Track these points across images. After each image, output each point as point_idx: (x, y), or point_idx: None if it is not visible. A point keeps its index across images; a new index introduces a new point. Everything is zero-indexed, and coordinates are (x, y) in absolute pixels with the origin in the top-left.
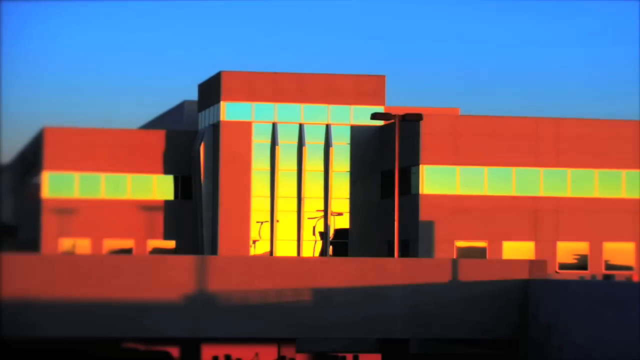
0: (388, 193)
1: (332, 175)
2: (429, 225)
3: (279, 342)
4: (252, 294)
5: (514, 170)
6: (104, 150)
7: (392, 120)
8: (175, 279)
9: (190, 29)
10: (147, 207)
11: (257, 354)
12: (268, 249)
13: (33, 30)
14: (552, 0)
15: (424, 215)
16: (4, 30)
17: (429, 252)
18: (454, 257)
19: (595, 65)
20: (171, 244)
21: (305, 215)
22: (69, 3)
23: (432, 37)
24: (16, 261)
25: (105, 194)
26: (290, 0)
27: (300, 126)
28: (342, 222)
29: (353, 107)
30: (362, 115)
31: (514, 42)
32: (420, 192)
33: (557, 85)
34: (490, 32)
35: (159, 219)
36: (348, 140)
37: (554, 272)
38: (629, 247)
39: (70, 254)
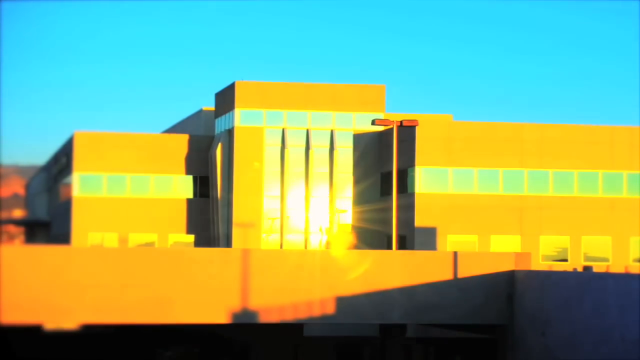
0: (387, 192)
1: (336, 175)
2: (424, 221)
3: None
4: (265, 283)
5: (501, 171)
6: (129, 152)
7: (391, 126)
8: (199, 269)
9: (208, 44)
10: (169, 204)
11: None
12: (278, 243)
13: (58, 38)
14: (540, 12)
15: (419, 212)
16: (4, 30)
17: (424, 246)
18: (447, 250)
19: (581, 73)
20: (190, 238)
21: (311, 212)
22: (96, 13)
23: (428, 50)
24: (48, 252)
25: (131, 193)
26: (299, 18)
27: (308, 131)
28: (346, 218)
29: (355, 113)
30: (363, 121)
31: (503, 54)
32: (417, 191)
33: (542, 93)
34: (481, 44)
35: (180, 215)
36: (351, 144)
37: (538, 264)
38: (605, 240)
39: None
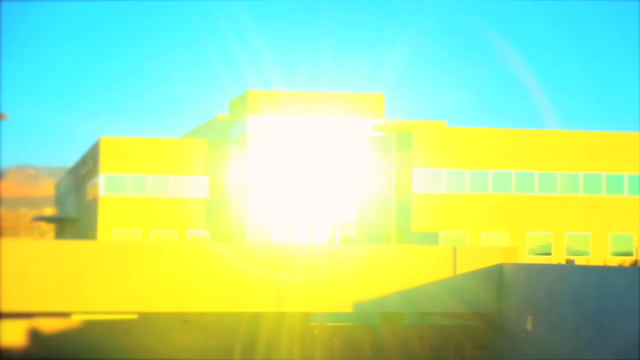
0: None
1: (339, 176)
2: (421, 218)
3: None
4: (272, 274)
5: (490, 172)
6: (151, 155)
7: (390, 131)
8: (215, 262)
9: (222, 56)
10: (188, 203)
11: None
12: (287, 239)
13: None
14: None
15: (416, 210)
16: (3, 34)
17: (420, 241)
18: (442, 245)
19: (565, 81)
20: (207, 234)
21: (316, 211)
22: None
23: (425, 60)
24: (76, 247)
25: (152, 193)
26: (307, 31)
27: (314, 135)
28: (349, 215)
29: (358, 120)
30: (365, 127)
31: (492, 65)
32: (413, 190)
33: (529, 99)
34: (475, 51)
35: (198, 214)
36: (353, 147)
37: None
38: (586, 236)
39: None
